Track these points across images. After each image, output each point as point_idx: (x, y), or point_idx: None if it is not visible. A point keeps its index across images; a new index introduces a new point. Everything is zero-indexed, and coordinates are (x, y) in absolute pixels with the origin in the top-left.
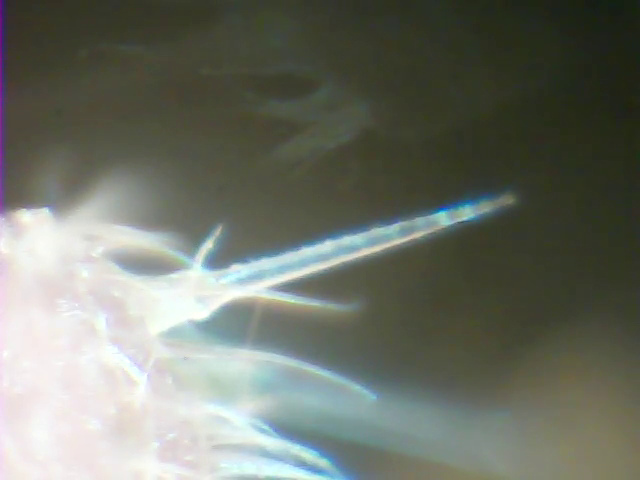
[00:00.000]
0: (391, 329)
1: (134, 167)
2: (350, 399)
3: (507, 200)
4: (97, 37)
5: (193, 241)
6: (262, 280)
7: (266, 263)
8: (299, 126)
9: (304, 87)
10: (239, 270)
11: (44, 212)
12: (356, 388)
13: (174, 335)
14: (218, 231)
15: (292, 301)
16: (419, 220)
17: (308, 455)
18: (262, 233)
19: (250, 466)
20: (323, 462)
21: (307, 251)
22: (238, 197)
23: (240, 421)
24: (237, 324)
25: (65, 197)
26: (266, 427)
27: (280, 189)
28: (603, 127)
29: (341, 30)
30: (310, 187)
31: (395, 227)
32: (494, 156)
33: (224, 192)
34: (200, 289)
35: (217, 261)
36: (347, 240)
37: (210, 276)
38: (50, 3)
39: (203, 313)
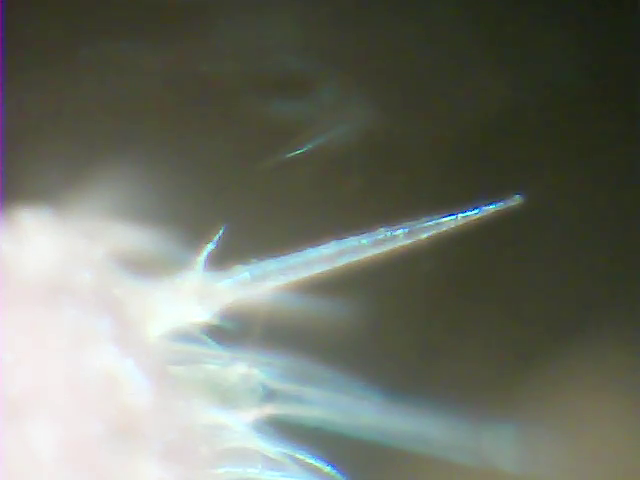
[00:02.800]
0: (395, 330)
1: (136, 167)
2: (355, 403)
3: (513, 203)
4: (97, 36)
5: (195, 242)
6: (265, 282)
7: (269, 265)
8: (301, 126)
9: (306, 87)
10: (242, 271)
11: (45, 212)
12: (361, 392)
13: (176, 337)
14: (221, 232)
15: (296, 303)
16: (424, 222)
17: (311, 460)
18: (265, 234)
19: (252, 471)
20: (326, 467)
21: (311, 253)
22: (240, 198)
23: (242, 425)
24: (239, 326)
25: (66, 197)
26: (268, 431)
27: (283, 190)
28: (611, 129)
29: (344, 29)
30: (313, 187)
31: (400, 229)
32: (500, 158)
33: (226, 193)
34: (202, 291)
35: (219, 262)
36: (351, 242)
37: (212, 277)
38: (50, 3)
39: (205, 315)
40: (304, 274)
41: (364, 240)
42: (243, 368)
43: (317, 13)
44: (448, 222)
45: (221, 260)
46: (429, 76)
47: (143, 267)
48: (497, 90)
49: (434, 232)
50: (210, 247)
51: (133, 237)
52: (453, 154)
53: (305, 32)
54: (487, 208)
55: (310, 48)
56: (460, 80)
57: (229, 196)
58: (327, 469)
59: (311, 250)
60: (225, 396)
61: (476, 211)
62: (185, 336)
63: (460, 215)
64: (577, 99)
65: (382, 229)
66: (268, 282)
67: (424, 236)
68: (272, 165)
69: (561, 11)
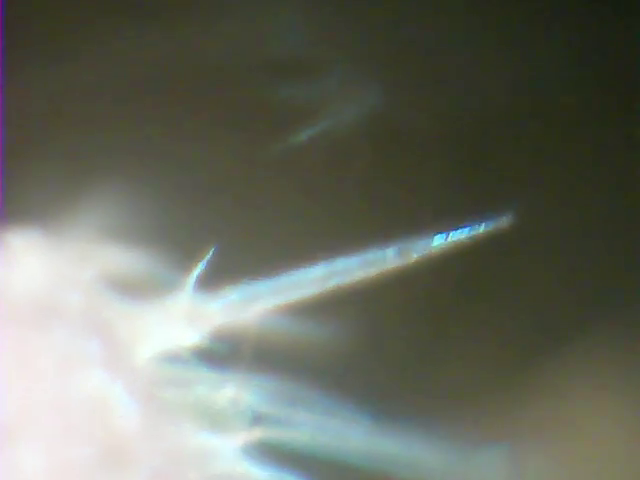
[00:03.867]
0: (383, 353)
1: (125, 190)
2: (344, 426)
3: (503, 223)
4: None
5: (185, 264)
6: (255, 304)
7: (259, 286)
8: (310, 110)
9: (315, 72)
10: (231, 293)
11: (35, 233)
12: (350, 415)
13: (165, 359)
14: (210, 254)
15: (285, 325)
16: (415, 242)
17: None
18: (255, 256)
19: None
20: None
21: (300, 275)
22: (230, 220)
23: (231, 448)
24: (229, 348)
25: (56, 219)
26: (257, 454)
27: (273, 213)
28: (599, 152)
29: (353, 15)
30: (302, 209)
31: (391, 249)
32: (490, 180)
33: (216, 215)
34: (192, 313)
35: (209, 284)
36: (341, 264)
37: (202, 299)
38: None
39: (194, 337)
40: (294, 296)
41: (354, 262)
42: (232, 391)
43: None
44: (439, 242)
45: (211, 282)
46: (436, 61)
47: (133, 289)
48: (489, 107)
49: (425, 252)
50: (200, 269)
51: (123, 259)
52: (444, 177)
53: (314, 18)
54: (477, 228)
55: (320, 33)
56: (468, 64)
57: (219, 218)
58: None
59: (301, 272)
60: (214, 419)
61: (467, 231)
62: (174, 358)
63: (451, 235)
64: (566, 123)
65: (372, 250)
66: (258, 304)
67: (414, 256)
68: (264, 179)
69: (558, 29)
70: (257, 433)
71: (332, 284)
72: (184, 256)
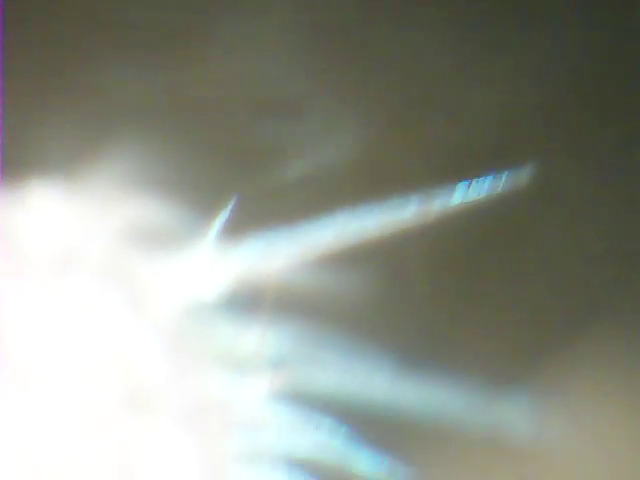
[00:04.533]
0: (408, 299)
1: (147, 137)
2: (369, 370)
3: (520, 180)
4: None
5: (208, 212)
6: (278, 251)
7: (282, 235)
8: (291, 150)
9: (297, 110)
10: (254, 241)
11: (56, 183)
12: (375, 359)
13: (189, 307)
14: (233, 202)
15: (308, 272)
16: (433, 197)
17: (325, 427)
18: (278, 205)
19: (267, 437)
20: (340, 433)
21: (323, 224)
22: (253, 167)
23: (256, 392)
24: (252, 295)
25: (77, 168)
26: (282, 398)
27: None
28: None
29: (334, 52)
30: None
31: (413, 201)
32: (508, 139)
33: (238, 163)
34: (215, 260)
35: (232, 233)
36: (364, 213)
37: (225, 247)
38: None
39: (218, 284)
40: (316, 244)
41: (377, 212)
42: (256, 336)
43: (309, 35)
44: (461, 194)
45: (234, 230)
46: (423, 98)
47: (155, 238)
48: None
49: (448, 204)
50: (223, 217)
51: (144, 209)
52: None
53: (297, 54)
54: (497, 182)
55: (302, 70)
56: (457, 98)
57: (241, 167)
58: (342, 434)
59: (323, 221)
60: (239, 364)
61: (484, 186)
62: (197, 307)
63: (473, 186)
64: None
65: (395, 200)
66: (281, 252)
67: (437, 208)
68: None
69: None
70: (281, 376)
71: (355, 233)
72: (206, 205)
